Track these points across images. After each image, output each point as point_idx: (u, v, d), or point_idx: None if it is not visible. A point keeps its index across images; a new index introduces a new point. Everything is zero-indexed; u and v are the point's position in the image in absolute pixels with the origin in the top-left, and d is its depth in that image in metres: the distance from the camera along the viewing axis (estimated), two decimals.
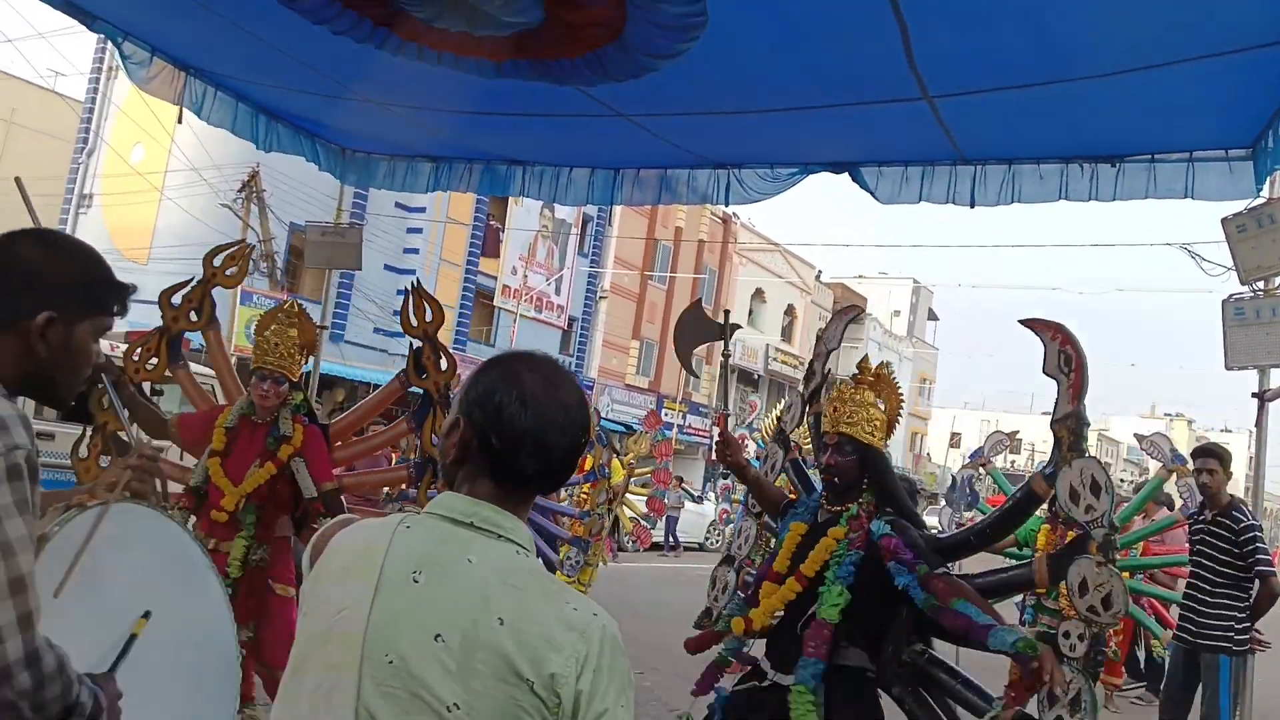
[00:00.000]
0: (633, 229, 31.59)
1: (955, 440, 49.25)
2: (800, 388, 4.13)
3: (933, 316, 52.55)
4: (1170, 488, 7.51)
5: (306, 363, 4.59)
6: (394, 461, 7.52)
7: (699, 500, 21.99)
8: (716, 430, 3.45)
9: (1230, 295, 4.05)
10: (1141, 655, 8.18)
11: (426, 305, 4.88)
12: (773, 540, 3.70)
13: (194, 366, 5.16)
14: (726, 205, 4.98)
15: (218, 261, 4.95)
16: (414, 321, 4.87)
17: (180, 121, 5.00)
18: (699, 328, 4.27)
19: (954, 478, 8.45)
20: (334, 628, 1.29)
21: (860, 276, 48.43)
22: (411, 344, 4.87)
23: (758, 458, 5.65)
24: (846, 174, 4.51)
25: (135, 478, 2.11)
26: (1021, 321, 3.34)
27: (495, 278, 26.56)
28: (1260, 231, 3.81)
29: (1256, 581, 4.77)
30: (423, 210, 23.55)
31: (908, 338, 49.00)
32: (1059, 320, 3.24)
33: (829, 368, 3.98)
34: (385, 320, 21.91)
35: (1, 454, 1.41)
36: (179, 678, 2.09)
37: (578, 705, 1.24)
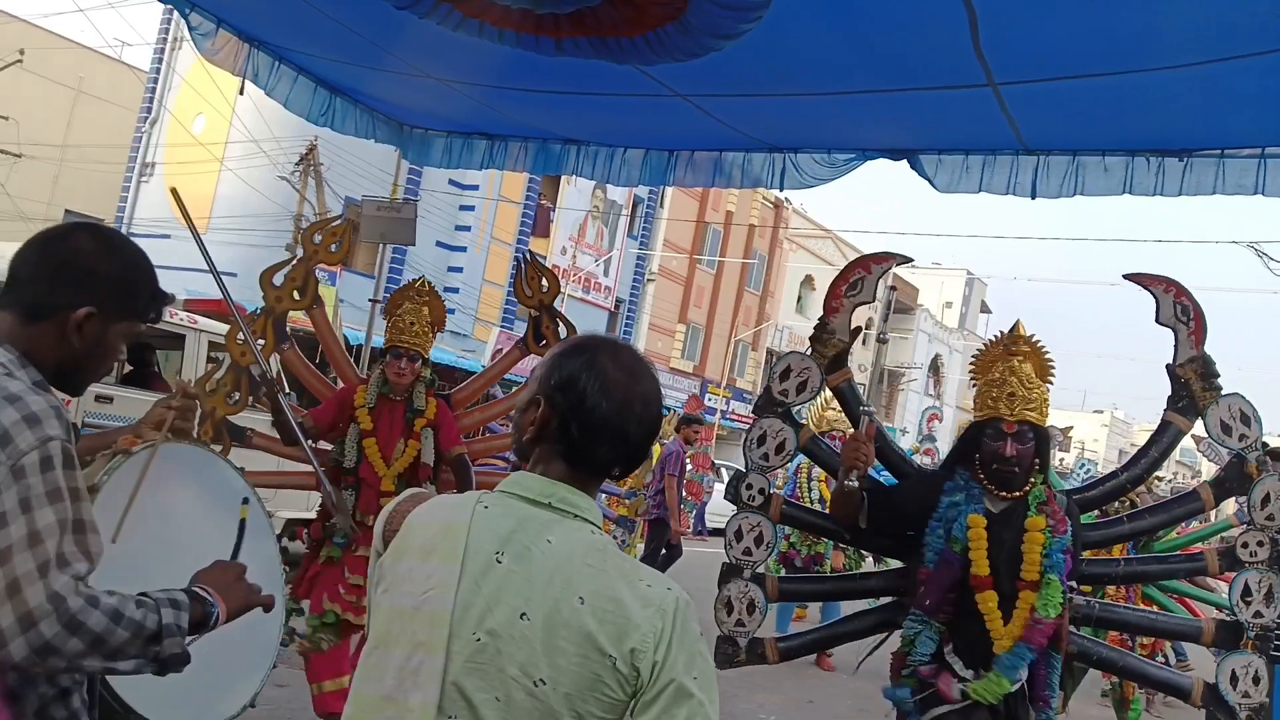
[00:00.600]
0: (683, 212, 31.49)
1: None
2: (811, 350, 3.81)
3: (986, 309, 51.79)
4: None
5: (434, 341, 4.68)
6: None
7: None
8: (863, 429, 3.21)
9: None
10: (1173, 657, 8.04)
11: (542, 276, 5.05)
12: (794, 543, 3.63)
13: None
14: (781, 190, 4.94)
15: (318, 239, 4.97)
16: (529, 291, 5.02)
17: (242, 93, 5.08)
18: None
19: None
20: (421, 606, 1.34)
21: (913, 266, 47.88)
22: (529, 313, 5.14)
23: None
24: (905, 161, 4.43)
25: (178, 416, 2.17)
26: (1126, 276, 3.71)
27: (545, 257, 26.69)
28: None
29: None
30: (476, 188, 23.70)
31: (959, 330, 48.33)
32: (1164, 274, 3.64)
33: (857, 326, 3.80)
34: None
35: (35, 446, 1.47)
36: None
37: (653, 675, 1.29)
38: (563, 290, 26.91)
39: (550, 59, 3.88)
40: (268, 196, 20.40)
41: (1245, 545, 3.54)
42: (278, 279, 4.83)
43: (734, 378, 35.14)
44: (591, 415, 1.38)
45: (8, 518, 1.43)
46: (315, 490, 5.19)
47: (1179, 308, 3.61)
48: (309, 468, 4.70)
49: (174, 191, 2.84)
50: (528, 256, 5.27)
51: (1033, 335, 3.31)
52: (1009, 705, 3.05)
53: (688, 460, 10.12)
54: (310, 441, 4.28)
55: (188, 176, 21.30)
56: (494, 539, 1.35)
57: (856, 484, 3.17)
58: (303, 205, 20.39)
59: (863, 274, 3.82)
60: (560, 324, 5.06)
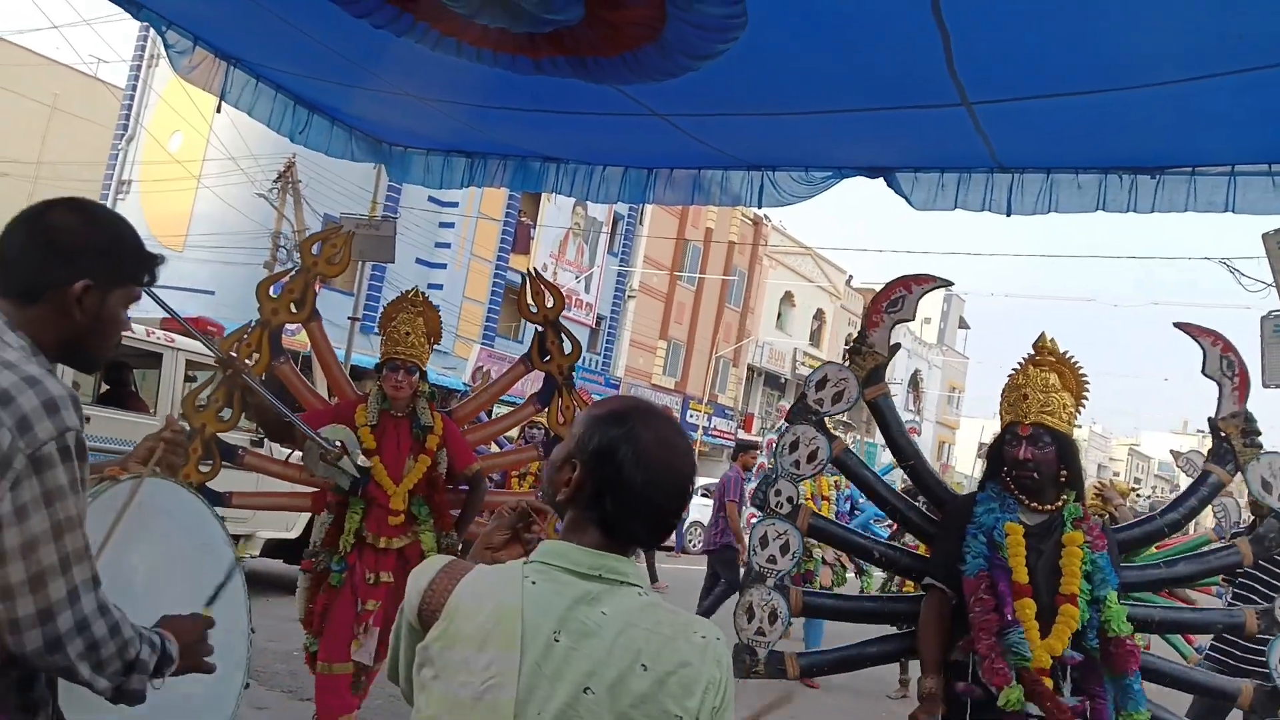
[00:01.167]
0: (663, 229, 31.58)
1: (983, 450, 48.82)
2: (848, 362, 3.78)
3: (964, 325, 52.16)
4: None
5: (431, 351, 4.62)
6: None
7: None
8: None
9: (1270, 312, 3.99)
10: None
11: (546, 291, 5.01)
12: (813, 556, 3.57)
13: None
14: (759, 207, 4.96)
15: (316, 250, 4.86)
16: (533, 307, 4.97)
17: (219, 111, 5.04)
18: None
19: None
20: (482, 696, 1.33)
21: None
22: (535, 330, 5.09)
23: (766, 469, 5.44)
24: (881, 179, 4.47)
25: (168, 450, 2.14)
26: (1177, 325, 3.72)
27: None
28: None
29: None
30: (455, 205, 23.66)
31: (938, 345, 48.66)
32: (1211, 328, 3.70)
33: (896, 342, 3.78)
34: None
35: (54, 436, 1.45)
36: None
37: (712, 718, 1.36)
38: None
39: (529, 78, 3.89)
40: (245, 214, 20.30)
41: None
42: (274, 290, 4.69)
43: (715, 394, 35.17)
44: (628, 489, 1.40)
45: (29, 509, 1.41)
46: (306, 510, 5.12)
47: (1225, 362, 3.62)
48: (299, 488, 4.64)
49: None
50: (532, 273, 5.23)
51: (1067, 352, 3.30)
52: None
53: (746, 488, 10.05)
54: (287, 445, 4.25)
55: (164, 194, 21.19)
56: (549, 618, 1.35)
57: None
58: (281, 223, 20.29)
59: (904, 292, 3.82)
60: (565, 339, 5.01)
